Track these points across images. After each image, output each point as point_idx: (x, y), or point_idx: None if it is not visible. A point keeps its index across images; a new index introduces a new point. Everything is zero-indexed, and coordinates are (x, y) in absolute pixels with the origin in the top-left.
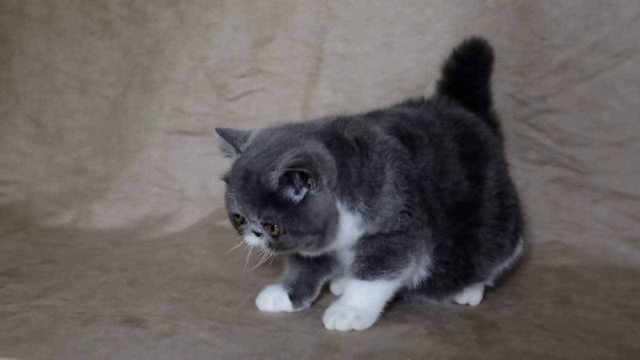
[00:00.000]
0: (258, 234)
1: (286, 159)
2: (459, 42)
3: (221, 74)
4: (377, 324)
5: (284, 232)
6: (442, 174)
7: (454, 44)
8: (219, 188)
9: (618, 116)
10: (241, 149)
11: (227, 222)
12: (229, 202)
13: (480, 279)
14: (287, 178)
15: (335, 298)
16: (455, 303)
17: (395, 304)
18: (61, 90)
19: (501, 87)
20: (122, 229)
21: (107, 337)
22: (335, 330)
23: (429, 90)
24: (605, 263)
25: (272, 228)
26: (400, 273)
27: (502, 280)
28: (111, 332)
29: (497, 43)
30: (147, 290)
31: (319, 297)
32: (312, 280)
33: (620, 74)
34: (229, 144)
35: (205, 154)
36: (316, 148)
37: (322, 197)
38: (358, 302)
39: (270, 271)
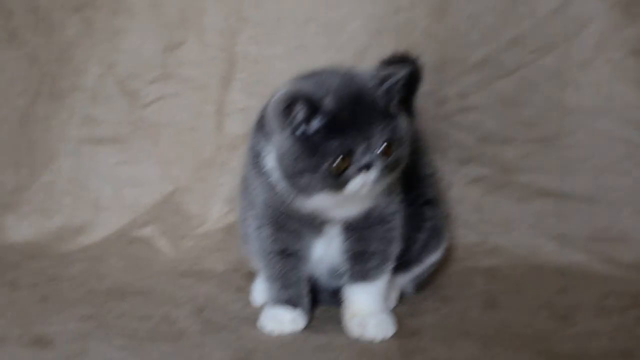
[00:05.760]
0: (369, 167)
1: (388, 71)
2: (372, 42)
3: (132, 80)
4: (296, 335)
5: (398, 147)
6: None
7: (368, 43)
8: (134, 197)
9: (540, 112)
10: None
11: (143, 232)
12: (334, 140)
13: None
14: (390, 90)
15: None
16: None
17: (316, 313)
18: None
19: None
20: (35, 242)
21: None
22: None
23: None
24: (533, 262)
25: (390, 147)
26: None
27: (425, 284)
28: (16, 355)
29: (413, 41)
30: (58, 307)
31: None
32: (304, 288)
33: (541, 69)
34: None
35: (118, 162)
36: None
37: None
38: (374, 307)
39: (188, 281)
